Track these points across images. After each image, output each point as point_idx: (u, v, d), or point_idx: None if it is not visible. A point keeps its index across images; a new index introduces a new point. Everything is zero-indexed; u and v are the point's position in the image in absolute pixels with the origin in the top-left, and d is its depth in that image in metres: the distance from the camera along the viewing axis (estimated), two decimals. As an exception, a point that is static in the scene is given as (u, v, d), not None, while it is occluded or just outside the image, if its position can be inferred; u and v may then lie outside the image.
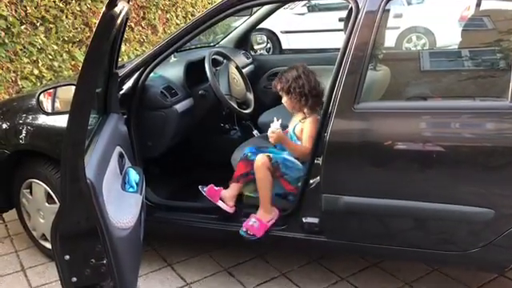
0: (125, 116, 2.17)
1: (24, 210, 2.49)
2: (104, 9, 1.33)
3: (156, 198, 2.31)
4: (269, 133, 2.06)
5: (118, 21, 1.44)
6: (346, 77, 1.81)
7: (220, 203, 2.14)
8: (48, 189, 2.31)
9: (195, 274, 2.35)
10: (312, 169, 1.93)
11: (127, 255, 1.65)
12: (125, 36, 3.76)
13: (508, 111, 1.67)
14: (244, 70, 3.02)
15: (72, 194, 1.43)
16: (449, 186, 1.74)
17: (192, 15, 7.04)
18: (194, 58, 2.76)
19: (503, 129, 1.71)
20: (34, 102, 2.12)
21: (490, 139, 1.72)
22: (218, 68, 2.71)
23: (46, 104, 2.03)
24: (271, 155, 2.07)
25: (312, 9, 8.67)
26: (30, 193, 2.40)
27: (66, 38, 5.01)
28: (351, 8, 1.89)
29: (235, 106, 2.58)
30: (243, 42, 3.54)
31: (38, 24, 4.69)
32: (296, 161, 2.09)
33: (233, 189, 2.17)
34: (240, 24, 3.60)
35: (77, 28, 5.15)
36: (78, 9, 5.14)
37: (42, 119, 2.26)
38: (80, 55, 5.08)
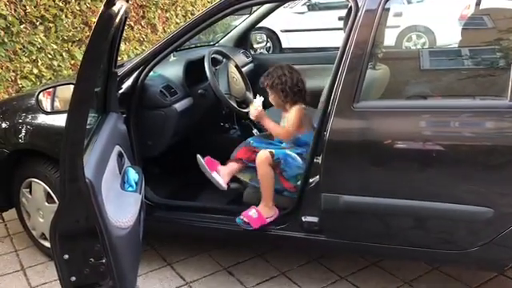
0: (124, 115, 2.17)
1: (23, 209, 2.49)
2: (102, 8, 1.33)
3: (155, 197, 2.30)
4: (250, 109, 2.19)
5: (117, 20, 1.44)
6: (345, 75, 1.81)
7: (215, 174, 2.16)
8: (47, 188, 2.31)
9: (195, 273, 2.35)
10: (311, 168, 1.93)
11: (126, 254, 1.65)
12: (124, 35, 3.77)
13: (507, 110, 1.67)
14: (244, 69, 3.02)
15: (71, 194, 1.43)
16: (448, 185, 1.74)
17: (192, 14, 7.03)
18: (194, 57, 2.75)
19: (503, 128, 1.71)
20: (33, 101, 2.12)
21: (490, 138, 1.72)
22: (217, 67, 2.70)
23: (46, 103, 2.03)
24: (274, 151, 2.08)
25: (312, 7, 8.69)
26: (30, 192, 2.40)
27: (66, 37, 5.01)
28: (351, 7, 1.88)
29: (235, 105, 2.58)
30: (243, 41, 3.53)
31: (38, 23, 4.69)
32: (297, 157, 2.10)
33: (231, 166, 2.20)
34: (240, 23, 3.59)
35: (76, 27, 5.14)
36: (78, 8, 5.13)
37: (42, 118, 2.26)
38: (79, 54, 5.06)
